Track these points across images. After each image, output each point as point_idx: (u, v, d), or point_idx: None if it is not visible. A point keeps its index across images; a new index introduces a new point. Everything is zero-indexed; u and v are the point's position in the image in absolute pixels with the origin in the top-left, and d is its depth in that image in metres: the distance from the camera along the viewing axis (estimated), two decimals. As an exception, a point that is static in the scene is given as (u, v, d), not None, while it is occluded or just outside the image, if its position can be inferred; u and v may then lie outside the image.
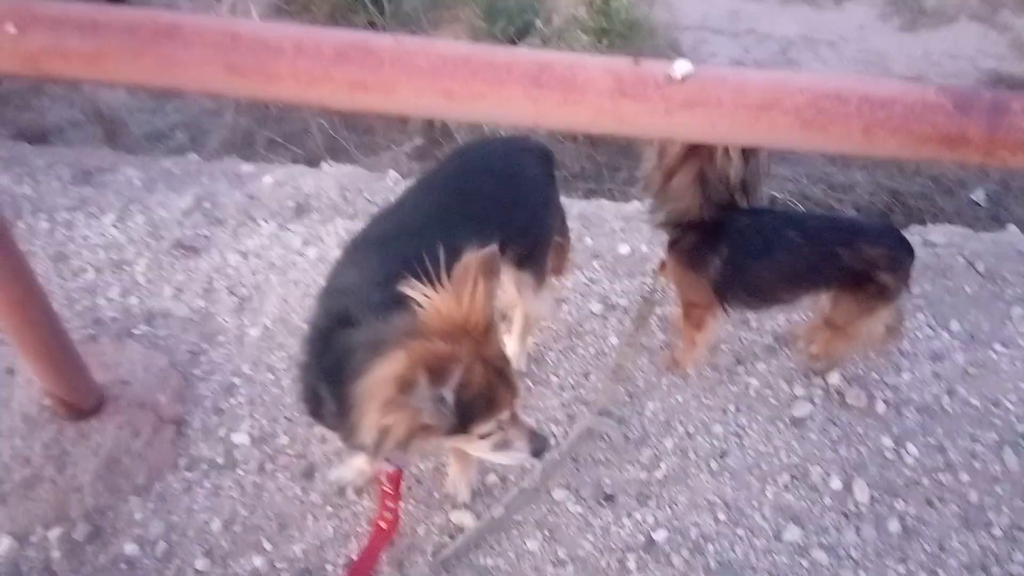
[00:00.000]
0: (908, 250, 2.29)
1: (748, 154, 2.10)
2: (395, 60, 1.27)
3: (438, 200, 2.04)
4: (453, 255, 1.89)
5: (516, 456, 1.78)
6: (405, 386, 1.47)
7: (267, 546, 2.19)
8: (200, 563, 2.16)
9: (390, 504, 2.12)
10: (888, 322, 2.41)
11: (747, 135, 1.29)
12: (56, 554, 2.17)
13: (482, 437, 1.68)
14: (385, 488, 2.11)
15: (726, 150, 2.08)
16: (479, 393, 1.58)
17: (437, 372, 1.46)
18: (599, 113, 1.27)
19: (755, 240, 2.24)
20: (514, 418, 1.72)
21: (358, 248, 1.96)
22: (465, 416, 1.58)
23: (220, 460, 2.35)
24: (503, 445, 1.73)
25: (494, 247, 1.60)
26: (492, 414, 1.64)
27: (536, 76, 1.26)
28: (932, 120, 1.24)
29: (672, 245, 2.34)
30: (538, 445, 1.77)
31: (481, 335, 1.58)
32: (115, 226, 2.98)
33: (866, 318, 2.34)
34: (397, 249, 1.83)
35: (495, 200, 2.08)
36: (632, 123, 1.28)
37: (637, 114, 1.27)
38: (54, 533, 2.19)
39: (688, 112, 1.25)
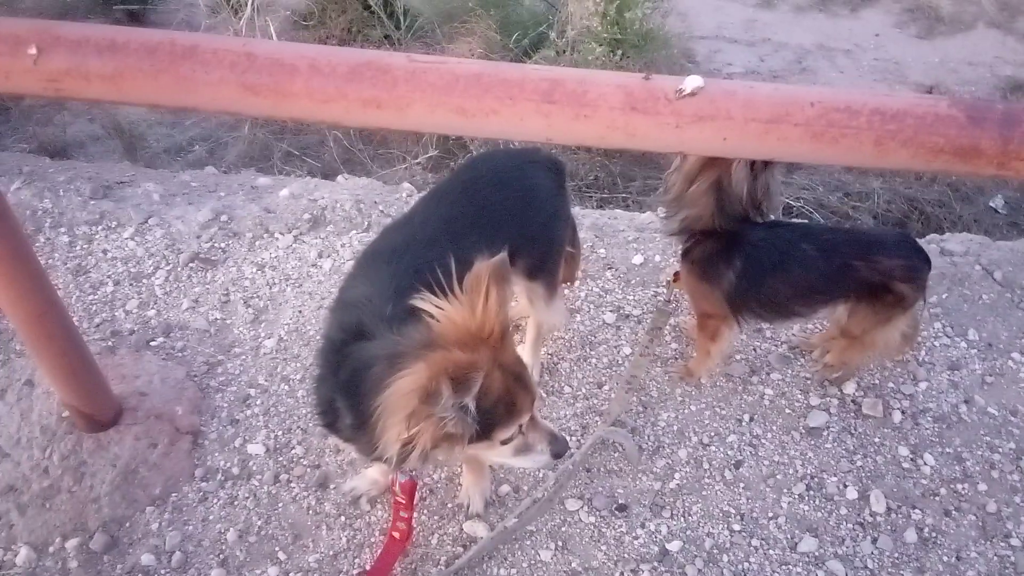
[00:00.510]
0: (924, 259, 2.28)
1: (757, 170, 2.10)
2: (408, 78, 1.29)
3: (448, 212, 2.05)
4: (464, 266, 1.91)
5: (537, 459, 1.79)
6: (428, 397, 1.48)
7: (281, 556, 2.21)
8: (215, 573, 2.17)
9: (404, 514, 2.13)
10: (904, 330, 2.40)
11: (757, 148, 1.30)
12: (73, 564, 2.19)
13: (504, 443, 1.69)
14: (399, 499, 2.12)
15: (736, 165, 2.09)
16: (499, 399, 1.59)
17: (460, 381, 1.47)
18: (610, 128, 1.28)
19: (770, 254, 2.24)
20: (533, 422, 1.74)
21: (369, 261, 1.97)
22: (487, 423, 1.59)
23: (235, 471, 2.37)
24: (524, 449, 1.75)
25: (504, 254, 1.61)
26: (513, 419, 1.65)
27: (548, 92, 1.27)
28: (944, 132, 1.24)
29: (685, 255, 2.34)
30: (558, 447, 1.78)
31: (497, 342, 1.59)
32: (134, 239, 3.03)
33: (883, 327, 2.33)
34: (408, 261, 1.84)
35: (505, 211, 2.09)
36: (643, 137, 1.30)
37: (648, 129, 1.28)
38: (71, 543, 2.22)
39: (698, 126, 1.26)
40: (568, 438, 2.45)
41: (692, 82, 1.25)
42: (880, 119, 1.24)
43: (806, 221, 3.60)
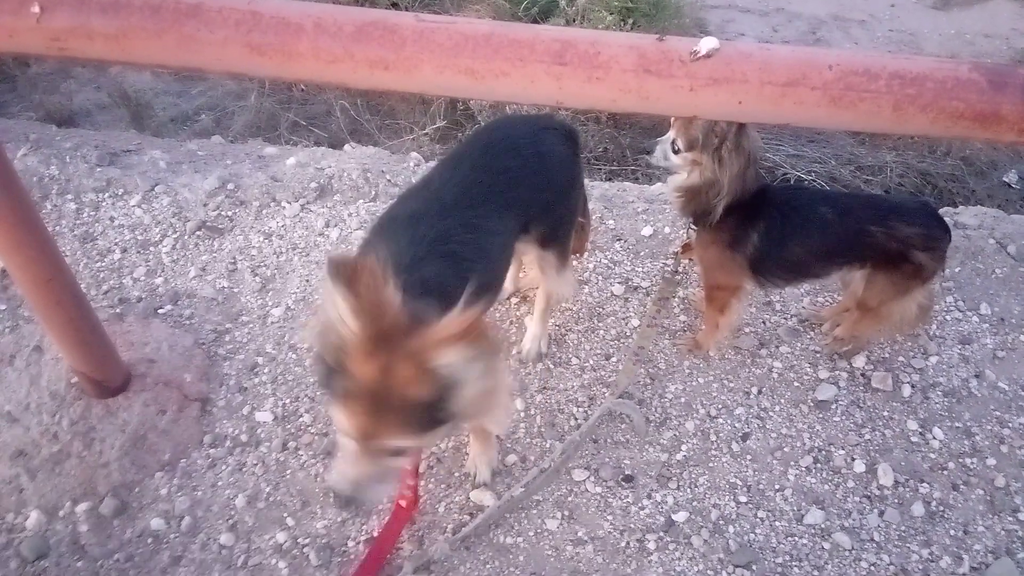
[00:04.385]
0: (944, 229, 2.25)
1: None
2: (416, 38, 1.26)
3: (466, 178, 2.00)
4: (479, 233, 1.89)
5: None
6: None
7: (290, 522, 2.22)
8: (224, 538, 2.19)
9: (410, 482, 2.14)
10: (921, 301, 2.38)
11: (773, 112, 1.27)
12: (84, 528, 2.21)
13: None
14: (404, 466, 2.11)
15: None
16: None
17: None
18: (623, 91, 1.26)
19: (792, 216, 2.24)
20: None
21: (387, 226, 1.93)
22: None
23: (244, 438, 2.38)
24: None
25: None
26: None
27: (559, 53, 1.25)
28: (965, 97, 1.21)
29: (711, 225, 2.31)
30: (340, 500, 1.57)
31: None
32: (141, 207, 3.01)
33: (900, 299, 2.31)
34: (426, 228, 1.81)
35: (522, 178, 2.05)
36: (656, 101, 1.27)
37: (661, 91, 1.25)
38: (81, 507, 2.23)
39: (713, 89, 1.23)
40: (575, 409, 2.46)
41: (707, 44, 1.22)
42: (900, 83, 1.21)
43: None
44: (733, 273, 2.33)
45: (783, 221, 2.24)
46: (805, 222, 2.24)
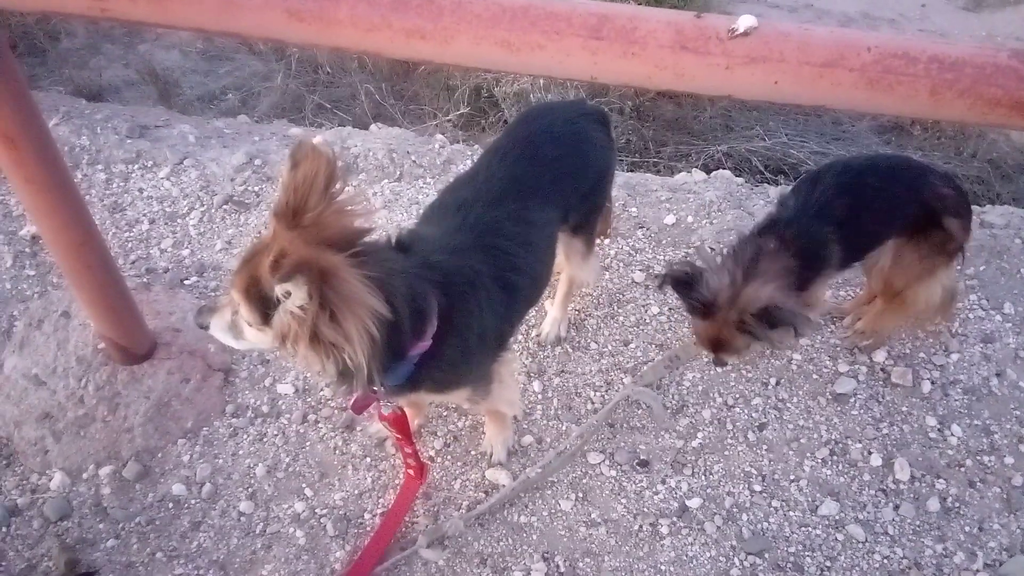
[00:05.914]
0: (966, 202, 2.27)
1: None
2: (454, 9, 1.27)
3: (512, 170, 1.97)
4: (525, 227, 1.87)
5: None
6: None
7: (308, 492, 2.25)
8: (244, 505, 2.22)
9: (408, 449, 2.11)
10: (945, 283, 2.36)
11: (810, 93, 1.26)
12: (106, 491, 2.25)
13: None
14: (396, 436, 2.09)
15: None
16: None
17: None
18: (658, 67, 1.26)
19: (854, 200, 2.21)
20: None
21: (433, 214, 1.93)
22: None
23: (265, 409, 2.41)
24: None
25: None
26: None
27: (596, 27, 1.25)
28: (1003, 84, 1.20)
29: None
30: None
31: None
32: (169, 179, 3.05)
33: (926, 280, 2.29)
34: (475, 218, 1.83)
35: (565, 168, 2.04)
36: (692, 78, 1.27)
37: (697, 69, 1.25)
38: (105, 471, 2.28)
39: (750, 68, 1.23)
40: (592, 393, 2.47)
41: (745, 22, 1.22)
42: (938, 67, 1.21)
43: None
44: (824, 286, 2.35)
45: (850, 207, 2.20)
46: (864, 196, 2.21)
